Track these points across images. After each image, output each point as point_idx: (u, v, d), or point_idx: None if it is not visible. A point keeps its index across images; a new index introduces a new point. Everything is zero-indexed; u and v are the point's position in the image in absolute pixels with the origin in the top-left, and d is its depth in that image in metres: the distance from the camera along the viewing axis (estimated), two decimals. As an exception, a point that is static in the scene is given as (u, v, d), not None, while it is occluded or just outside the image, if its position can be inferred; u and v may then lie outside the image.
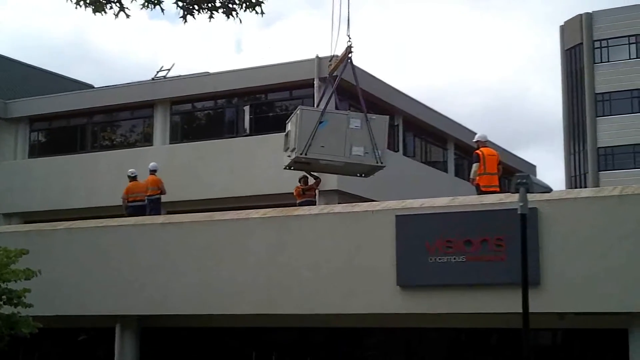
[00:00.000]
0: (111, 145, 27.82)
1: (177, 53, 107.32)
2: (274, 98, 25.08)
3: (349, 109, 19.43)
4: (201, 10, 8.90)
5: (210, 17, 8.90)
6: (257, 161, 23.50)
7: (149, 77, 27.42)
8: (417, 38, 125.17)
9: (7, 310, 15.26)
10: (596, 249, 13.56)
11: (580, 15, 64.23)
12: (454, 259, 14.24)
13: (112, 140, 28.09)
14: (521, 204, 11.10)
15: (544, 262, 13.65)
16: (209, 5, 8.87)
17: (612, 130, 60.94)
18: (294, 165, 17.07)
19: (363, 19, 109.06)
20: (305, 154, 16.14)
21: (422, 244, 14.48)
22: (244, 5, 8.88)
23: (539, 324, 13.03)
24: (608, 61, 62.37)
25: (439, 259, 14.34)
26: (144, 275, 17.39)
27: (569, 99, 65.24)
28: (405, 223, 14.83)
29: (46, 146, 28.85)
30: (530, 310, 11.14)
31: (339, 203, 20.36)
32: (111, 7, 8.71)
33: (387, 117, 17.43)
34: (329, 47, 16.96)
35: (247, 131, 24.85)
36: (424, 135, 29.46)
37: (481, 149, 17.69)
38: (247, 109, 25.01)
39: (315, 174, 19.93)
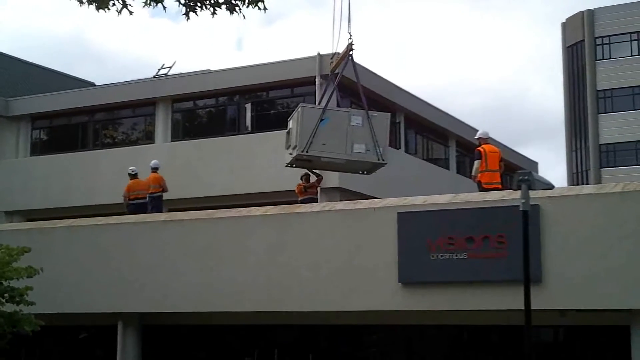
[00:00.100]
0: (113, 143, 27.83)
1: (179, 51, 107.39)
2: (276, 95, 25.08)
3: (351, 107, 19.44)
4: (204, 7, 8.87)
5: (213, 13, 8.87)
6: (259, 159, 23.49)
7: (151, 75, 27.41)
8: (418, 37, 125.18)
9: (10, 308, 15.26)
10: (598, 246, 13.54)
11: (582, 12, 64.17)
12: (456, 256, 14.22)
13: (114, 138, 28.10)
14: (523, 201, 11.08)
15: (545, 259, 13.64)
16: (212, 1, 8.84)
17: (614, 127, 60.88)
18: (296, 162, 17.08)
19: (363, 18, 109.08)
20: (307, 152, 16.15)
21: (423, 241, 14.47)
22: (247, 0, 8.85)
23: (541, 321, 13.02)
24: (610, 58, 62.31)
25: (441, 256, 14.33)
26: (145, 273, 17.39)
27: (570, 96, 65.18)
28: (407, 220, 14.82)
29: (48, 144, 28.86)
30: (532, 307, 11.13)
31: (340, 200, 20.36)
32: (114, 4, 8.69)
33: (389, 114, 17.43)
34: (330, 44, 16.99)
35: (249, 129, 24.84)
36: (426, 132, 29.44)
37: (483, 146, 17.67)
38: (248, 106, 25.00)
39: (317, 171, 19.93)
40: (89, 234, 18.50)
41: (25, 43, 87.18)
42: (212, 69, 27.28)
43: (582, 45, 63.73)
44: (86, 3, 8.65)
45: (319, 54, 22.98)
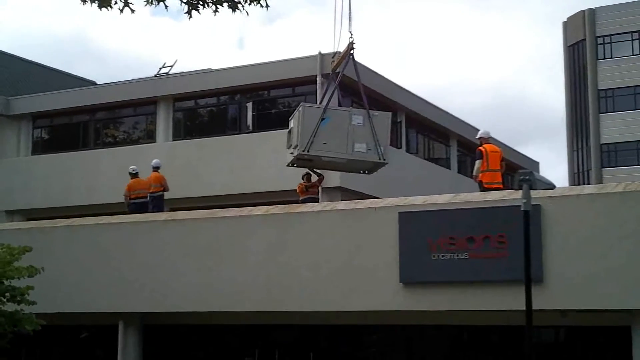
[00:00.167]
0: (114, 142, 27.83)
1: (180, 50, 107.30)
2: (277, 95, 25.07)
3: (352, 106, 19.43)
4: (206, 5, 8.85)
5: (215, 11, 8.85)
6: (260, 158, 23.49)
7: (152, 74, 27.40)
8: (418, 37, 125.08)
9: (10, 307, 15.26)
10: (599, 246, 13.53)
11: (583, 11, 64.09)
12: (457, 256, 14.21)
13: (115, 137, 28.10)
14: (524, 200, 11.06)
15: (546, 259, 13.63)
16: None
17: (615, 127, 60.79)
18: (297, 162, 17.07)
19: (364, 18, 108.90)
20: (308, 151, 16.14)
21: (424, 241, 14.46)
22: None
23: (541, 322, 12.99)
24: (611, 57, 62.22)
25: (442, 256, 14.32)
26: (145, 272, 17.39)
27: (571, 96, 65.11)
28: (408, 220, 14.81)
29: (49, 143, 28.85)
30: (533, 307, 11.11)
31: (341, 200, 20.35)
32: (116, 2, 8.68)
33: (390, 113, 17.42)
34: (332, 43, 16.98)
35: (250, 128, 24.83)
36: (427, 131, 29.42)
37: (484, 145, 17.65)
38: (249, 105, 24.99)
39: (318, 171, 19.93)
40: (89, 234, 18.49)
41: (26, 42, 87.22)
42: (214, 68, 27.29)
43: (583, 45, 63.66)
44: (89, 2, 8.64)
45: (320, 53, 22.97)
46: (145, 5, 8.70)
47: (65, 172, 26.74)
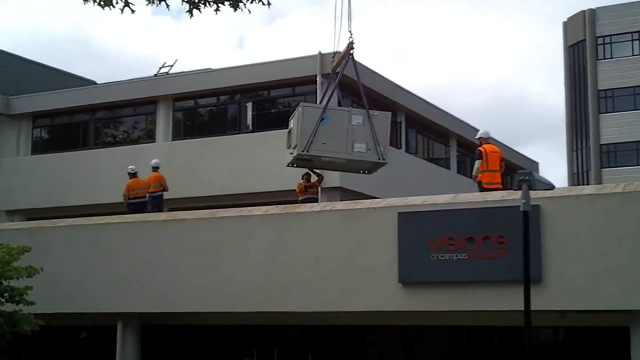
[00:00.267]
0: (113, 141, 27.82)
1: (180, 49, 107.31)
2: (277, 94, 25.06)
3: (352, 106, 19.43)
4: (207, 4, 8.83)
5: (217, 10, 8.84)
6: (260, 158, 23.48)
7: (152, 74, 27.39)
8: (418, 37, 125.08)
9: (9, 307, 15.25)
10: (598, 247, 13.53)
11: (583, 11, 64.08)
12: (456, 256, 14.21)
13: (115, 136, 28.09)
14: (524, 201, 11.06)
15: (545, 260, 13.62)
16: None
17: (615, 127, 60.78)
18: (297, 162, 17.07)
19: (364, 18, 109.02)
20: (307, 151, 16.14)
21: (424, 242, 14.46)
22: None
23: (541, 322, 13.01)
24: (611, 57, 62.21)
25: (441, 256, 14.31)
26: (145, 272, 17.38)
27: (571, 96, 65.11)
28: (408, 220, 14.80)
29: (49, 143, 28.84)
30: (532, 307, 11.11)
31: (341, 200, 20.34)
32: (117, 2, 8.68)
33: (389, 113, 17.42)
34: (332, 43, 16.98)
35: (250, 128, 24.83)
36: (427, 132, 29.41)
37: (484, 145, 17.64)
38: (249, 105, 24.98)
39: (318, 171, 19.92)
40: (89, 234, 18.48)
41: (26, 41, 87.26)
42: (213, 67, 27.28)
43: (583, 45, 63.65)
44: (91, 1, 8.64)
45: (320, 53, 22.96)
46: (147, 4, 8.70)
47: (65, 172, 26.72)
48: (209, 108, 26.66)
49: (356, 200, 17.41)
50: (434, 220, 14.61)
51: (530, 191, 11.18)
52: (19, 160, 28.27)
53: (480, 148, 17.61)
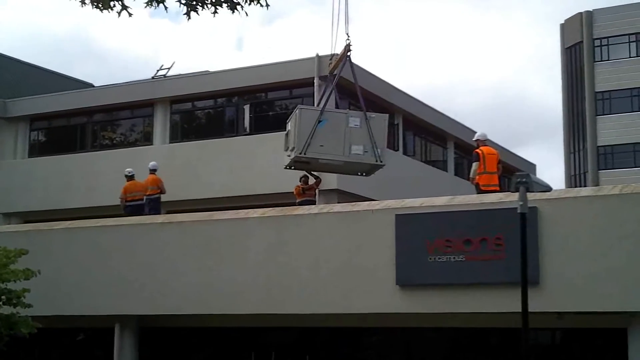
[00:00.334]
0: (111, 144, 27.82)
1: (178, 51, 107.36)
2: (274, 97, 25.07)
3: (349, 108, 19.43)
4: (205, 6, 8.84)
5: (215, 12, 8.84)
6: (257, 160, 23.48)
7: (150, 76, 27.38)
8: (417, 37, 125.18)
9: (7, 310, 15.25)
10: (596, 248, 13.54)
11: (581, 13, 64.15)
12: (454, 258, 14.22)
13: (112, 139, 28.09)
14: (521, 203, 11.06)
15: (543, 262, 13.63)
16: (213, 0, 8.80)
17: (612, 129, 60.87)
18: (294, 164, 17.06)
19: (363, 18, 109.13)
20: (305, 154, 16.13)
21: (421, 244, 14.46)
22: None
23: (538, 324, 13.01)
24: (608, 59, 62.29)
25: (439, 258, 14.32)
26: (143, 274, 17.37)
27: (569, 98, 65.17)
28: (405, 222, 14.81)
29: (46, 145, 28.83)
30: (530, 309, 11.12)
31: (338, 202, 20.35)
32: (114, 5, 8.69)
33: (387, 115, 17.41)
34: (330, 45, 17.00)
35: (247, 130, 24.83)
36: (424, 134, 29.43)
37: (481, 147, 17.66)
38: (247, 107, 24.99)
39: (315, 173, 19.91)
40: (87, 236, 18.47)
41: (26, 41, 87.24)
42: (211, 69, 27.27)
43: (580, 47, 63.73)
44: (89, 4, 8.65)
45: (317, 55, 22.98)
46: (146, 6, 8.71)
47: (62, 175, 26.70)
48: (206, 110, 26.66)
49: (354, 203, 17.40)
50: (431, 222, 14.62)
51: (528, 193, 11.19)
52: (16, 163, 28.25)
53: (477, 150, 17.63)
